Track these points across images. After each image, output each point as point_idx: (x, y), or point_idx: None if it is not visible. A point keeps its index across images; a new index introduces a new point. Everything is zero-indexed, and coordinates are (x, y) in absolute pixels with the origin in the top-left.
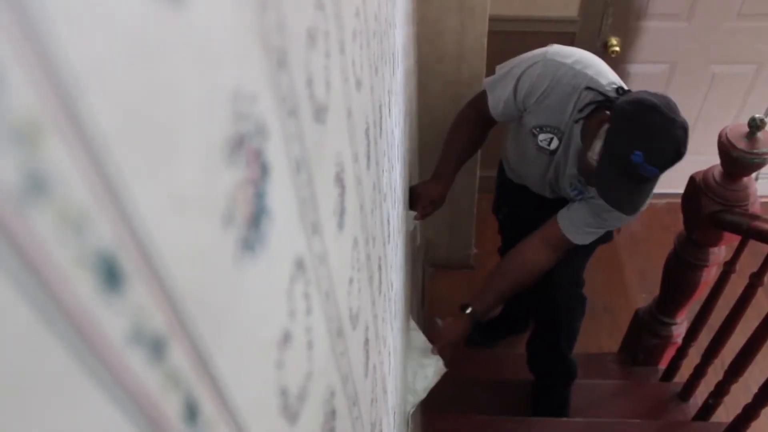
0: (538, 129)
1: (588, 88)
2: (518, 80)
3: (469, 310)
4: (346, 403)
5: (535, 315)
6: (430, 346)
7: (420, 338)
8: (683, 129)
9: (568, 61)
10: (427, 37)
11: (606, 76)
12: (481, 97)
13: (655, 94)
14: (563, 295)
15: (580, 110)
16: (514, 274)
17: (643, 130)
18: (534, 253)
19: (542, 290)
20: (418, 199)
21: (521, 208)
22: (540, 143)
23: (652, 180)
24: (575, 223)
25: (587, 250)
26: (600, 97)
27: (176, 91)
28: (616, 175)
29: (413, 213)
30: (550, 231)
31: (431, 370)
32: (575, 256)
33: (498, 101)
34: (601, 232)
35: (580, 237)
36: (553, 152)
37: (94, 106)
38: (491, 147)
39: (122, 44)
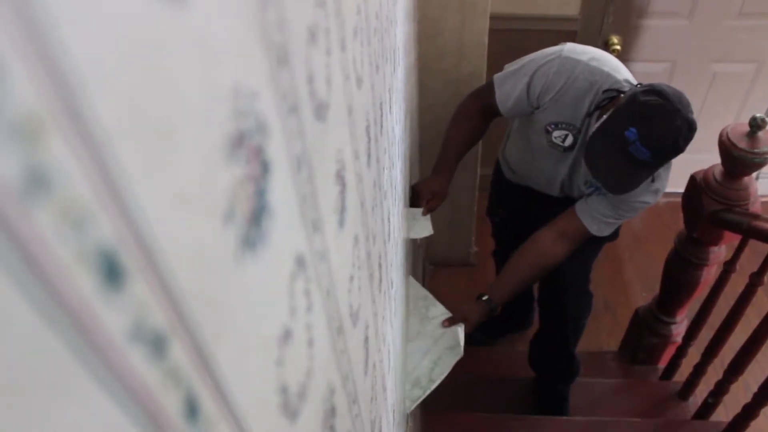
0: (552, 126)
1: (606, 90)
2: (532, 77)
3: (485, 298)
4: (346, 400)
5: (543, 312)
6: (450, 327)
7: (440, 309)
8: (687, 124)
9: (584, 58)
10: (428, 34)
11: (621, 72)
12: (488, 90)
13: (671, 87)
14: (573, 292)
15: (597, 108)
16: (530, 265)
17: (644, 109)
18: (550, 245)
19: (552, 288)
20: (419, 195)
21: (520, 210)
22: (554, 140)
23: (644, 167)
24: (593, 214)
25: (595, 247)
26: (614, 93)
27: (177, 89)
28: (607, 146)
29: (419, 213)
30: (568, 222)
31: (461, 348)
32: (584, 252)
33: (508, 97)
34: (618, 223)
35: (598, 227)
36: (567, 149)
37: (95, 103)
38: (492, 144)
39: (124, 41)
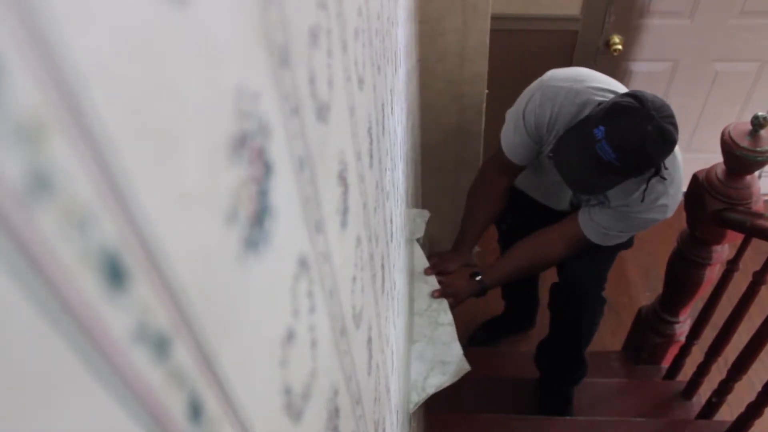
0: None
1: (600, 104)
2: (524, 117)
3: (479, 278)
4: (349, 401)
5: (556, 318)
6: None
7: (449, 318)
8: (660, 132)
9: (566, 84)
10: (429, 35)
11: (611, 87)
12: (498, 151)
13: (656, 96)
14: (590, 299)
15: None
16: (527, 258)
17: (615, 109)
18: (550, 245)
19: (569, 295)
20: (435, 264)
21: (527, 219)
22: None
23: (610, 171)
24: (593, 225)
25: (610, 254)
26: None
27: (180, 90)
28: (575, 142)
29: (418, 215)
30: (569, 227)
31: (452, 368)
32: (600, 260)
33: (515, 147)
34: (622, 237)
35: (599, 237)
36: None
37: (98, 105)
38: (495, 144)
39: (126, 42)
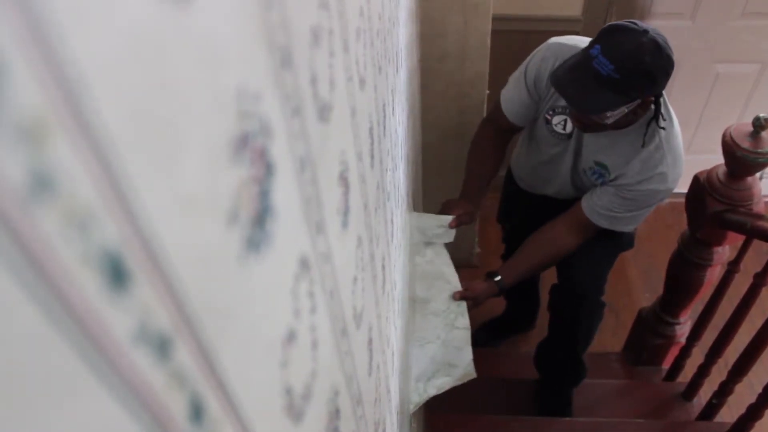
0: (551, 112)
1: None
2: (526, 72)
3: (498, 279)
4: (350, 402)
5: (554, 320)
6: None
7: (467, 322)
8: (654, 43)
9: (571, 42)
10: (430, 36)
11: None
12: (496, 108)
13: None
14: (588, 304)
15: None
16: (541, 254)
17: (609, 30)
18: (560, 237)
19: (567, 298)
20: (452, 208)
21: (533, 218)
22: (555, 128)
23: (609, 85)
24: (597, 208)
25: (611, 258)
26: None
27: (181, 90)
28: (573, 63)
29: (445, 220)
30: (575, 216)
31: (458, 372)
32: (599, 264)
33: (512, 103)
34: (629, 218)
35: (605, 221)
36: (569, 136)
37: (99, 105)
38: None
39: (128, 43)
